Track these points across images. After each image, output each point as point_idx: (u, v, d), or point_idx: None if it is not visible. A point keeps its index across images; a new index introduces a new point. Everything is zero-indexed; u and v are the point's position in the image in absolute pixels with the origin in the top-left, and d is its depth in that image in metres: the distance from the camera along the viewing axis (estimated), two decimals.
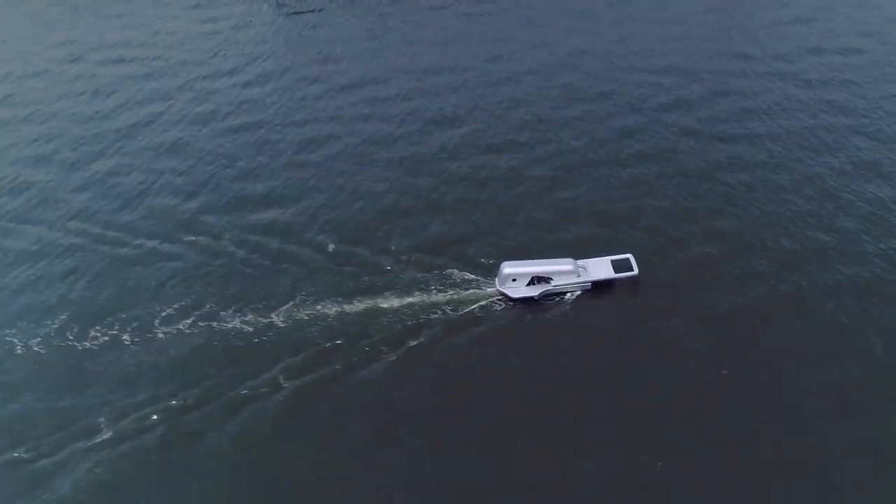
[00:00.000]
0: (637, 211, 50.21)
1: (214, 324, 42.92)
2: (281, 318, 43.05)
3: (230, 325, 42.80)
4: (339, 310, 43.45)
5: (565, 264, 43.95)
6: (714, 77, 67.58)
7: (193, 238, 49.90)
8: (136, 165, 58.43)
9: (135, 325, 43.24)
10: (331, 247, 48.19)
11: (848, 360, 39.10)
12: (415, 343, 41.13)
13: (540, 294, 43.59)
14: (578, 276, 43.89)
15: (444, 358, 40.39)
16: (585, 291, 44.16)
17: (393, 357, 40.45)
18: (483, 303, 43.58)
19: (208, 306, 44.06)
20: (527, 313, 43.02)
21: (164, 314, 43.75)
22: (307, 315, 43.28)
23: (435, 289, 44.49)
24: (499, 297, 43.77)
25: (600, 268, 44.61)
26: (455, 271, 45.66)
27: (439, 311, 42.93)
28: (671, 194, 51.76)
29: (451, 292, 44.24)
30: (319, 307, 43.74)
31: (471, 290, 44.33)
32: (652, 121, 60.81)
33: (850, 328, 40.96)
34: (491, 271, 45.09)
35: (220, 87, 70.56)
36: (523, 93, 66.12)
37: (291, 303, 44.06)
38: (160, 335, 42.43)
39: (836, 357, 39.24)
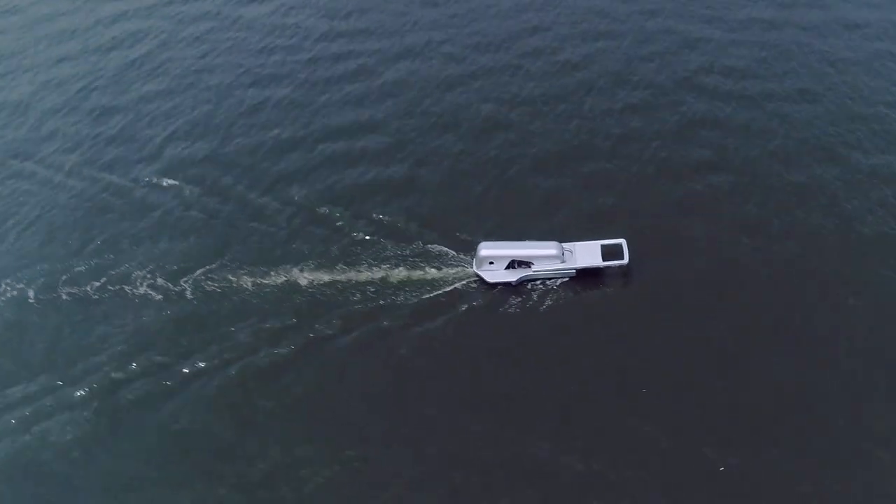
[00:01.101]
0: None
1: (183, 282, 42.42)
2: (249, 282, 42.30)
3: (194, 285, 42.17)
4: (305, 277, 42.05)
5: (548, 248, 40.42)
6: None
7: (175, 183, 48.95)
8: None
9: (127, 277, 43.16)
10: (325, 210, 45.83)
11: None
12: (374, 325, 39.17)
13: (518, 280, 40.49)
14: (562, 261, 40.39)
15: (396, 346, 38.38)
16: (571, 278, 40.82)
17: (350, 336, 38.89)
18: (458, 285, 40.87)
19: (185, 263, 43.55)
20: (500, 301, 40.13)
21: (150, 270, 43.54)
22: (274, 280, 42.08)
23: (410, 264, 41.99)
24: (475, 279, 40.94)
25: (587, 253, 40.88)
26: (437, 246, 42.87)
27: (408, 290, 40.58)
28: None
29: (426, 270, 41.65)
30: (274, 273, 42.42)
31: (447, 270, 41.59)
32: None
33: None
34: (472, 249, 42.06)
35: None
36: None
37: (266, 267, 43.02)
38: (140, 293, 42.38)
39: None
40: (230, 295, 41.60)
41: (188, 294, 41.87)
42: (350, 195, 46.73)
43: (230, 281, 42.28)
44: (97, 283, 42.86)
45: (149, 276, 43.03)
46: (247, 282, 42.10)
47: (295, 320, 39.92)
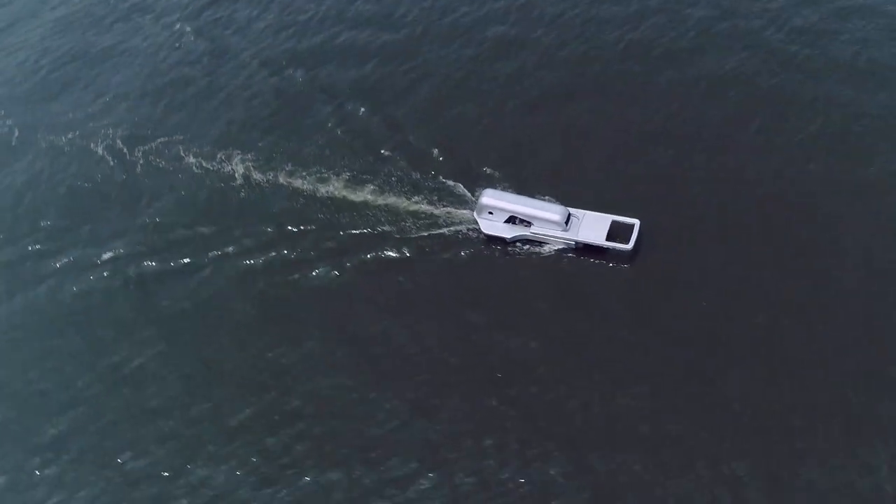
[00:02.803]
0: None
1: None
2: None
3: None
4: (314, 189, 42.23)
5: (552, 212, 37.60)
6: None
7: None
8: None
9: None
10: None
11: None
12: (367, 256, 39.13)
13: (513, 237, 38.32)
14: (564, 229, 37.55)
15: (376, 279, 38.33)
16: (570, 249, 38.00)
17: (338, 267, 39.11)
18: (459, 227, 39.39)
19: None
20: (489, 256, 38.43)
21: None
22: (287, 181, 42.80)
23: (419, 197, 40.89)
24: (474, 226, 39.22)
25: (594, 227, 37.66)
26: (450, 182, 41.24)
27: (410, 222, 39.82)
28: None
29: (435, 206, 40.42)
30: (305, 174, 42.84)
31: (452, 209, 40.10)
32: None
33: None
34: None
35: None
36: None
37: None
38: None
39: None
40: (257, 187, 42.86)
41: (220, 173, 43.82)
42: (401, 113, 45.41)
43: (267, 173, 43.32)
44: (146, 147, 45.57)
45: (195, 150, 44.98)
46: (280, 178, 43.00)
47: (313, 227, 40.61)
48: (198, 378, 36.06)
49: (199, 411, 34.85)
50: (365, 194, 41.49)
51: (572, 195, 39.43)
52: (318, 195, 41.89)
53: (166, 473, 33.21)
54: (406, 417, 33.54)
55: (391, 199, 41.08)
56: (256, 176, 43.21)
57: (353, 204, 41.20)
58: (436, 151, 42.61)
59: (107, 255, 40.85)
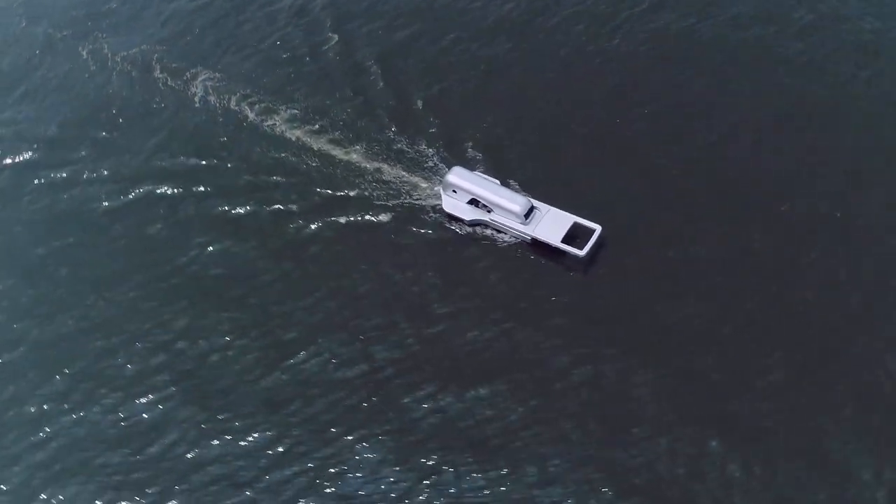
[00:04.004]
0: None
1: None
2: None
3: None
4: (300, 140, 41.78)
5: (514, 202, 35.98)
6: None
7: None
8: None
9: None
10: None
11: None
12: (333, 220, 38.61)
13: (471, 221, 37.06)
14: (522, 222, 35.97)
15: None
16: (527, 243, 36.44)
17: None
18: (421, 201, 38.45)
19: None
20: (442, 234, 37.35)
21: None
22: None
23: (398, 163, 40.04)
24: (438, 201, 38.16)
25: (553, 225, 35.88)
26: (432, 152, 40.15)
27: (375, 186, 39.14)
28: None
29: (409, 174, 39.54)
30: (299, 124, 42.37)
31: (421, 179, 39.15)
32: None
33: None
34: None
35: None
36: None
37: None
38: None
39: None
40: (252, 128, 42.63)
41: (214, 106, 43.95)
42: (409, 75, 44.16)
43: (267, 115, 43.07)
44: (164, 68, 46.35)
45: (212, 83, 45.26)
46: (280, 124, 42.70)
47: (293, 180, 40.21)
48: None
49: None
50: (329, 145, 41.06)
51: (548, 187, 37.82)
52: (292, 141, 41.58)
53: None
54: None
55: (354, 157, 40.41)
56: (252, 114, 43.40)
57: (326, 157, 40.85)
58: (430, 119, 41.54)
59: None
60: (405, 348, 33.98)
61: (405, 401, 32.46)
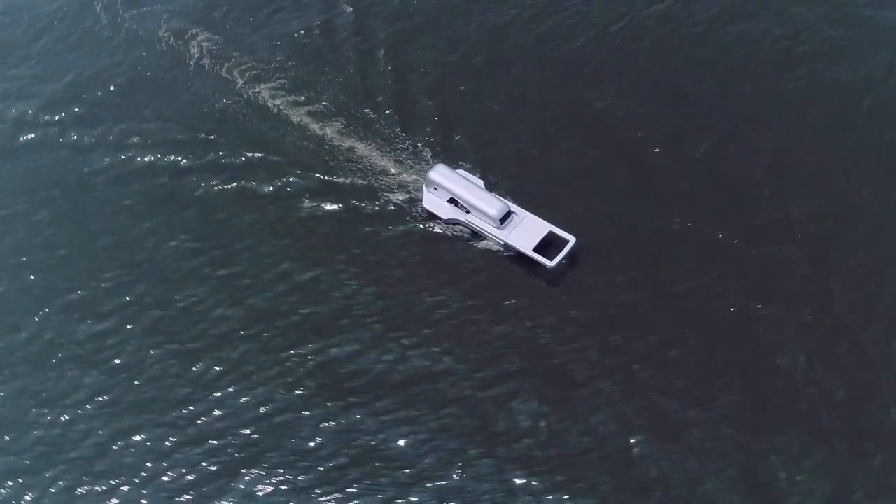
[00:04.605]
0: None
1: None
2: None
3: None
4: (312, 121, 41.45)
5: (490, 205, 35.17)
6: None
7: None
8: None
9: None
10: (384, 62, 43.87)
11: None
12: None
13: (448, 219, 36.44)
14: (498, 226, 35.23)
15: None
16: (500, 247, 35.75)
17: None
18: (405, 196, 37.93)
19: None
20: (418, 229, 36.81)
21: None
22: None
23: (386, 153, 39.52)
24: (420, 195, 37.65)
25: (527, 232, 34.98)
26: (425, 148, 39.50)
27: (359, 176, 38.73)
28: None
29: (397, 166, 39.02)
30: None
31: (406, 175, 38.59)
32: None
33: None
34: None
35: None
36: None
37: None
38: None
39: None
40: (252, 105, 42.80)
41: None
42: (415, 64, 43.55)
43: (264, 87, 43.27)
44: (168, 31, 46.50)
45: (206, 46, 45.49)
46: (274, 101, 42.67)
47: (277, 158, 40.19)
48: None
49: None
50: (327, 129, 40.75)
51: (534, 190, 37.10)
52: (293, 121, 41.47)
53: None
54: None
55: (348, 140, 40.14)
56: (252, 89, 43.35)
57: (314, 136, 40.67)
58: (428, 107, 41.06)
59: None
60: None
61: None
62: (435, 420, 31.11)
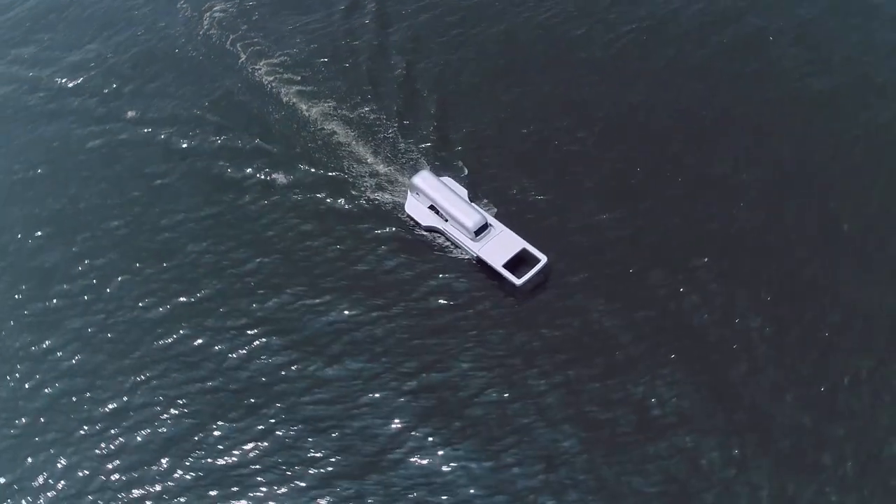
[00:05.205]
0: None
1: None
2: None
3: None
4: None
5: (468, 217, 35.19)
6: None
7: None
8: None
9: None
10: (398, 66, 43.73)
11: None
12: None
13: (427, 226, 36.72)
14: (473, 238, 35.37)
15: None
16: (473, 259, 35.96)
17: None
18: (391, 196, 38.26)
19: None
20: (399, 235, 37.18)
21: None
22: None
23: (378, 152, 39.79)
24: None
25: (500, 247, 35.01)
26: (419, 157, 39.56)
27: (348, 173, 39.16)
28: None
29: (387, 165, 39.28)
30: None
31: (396, 178, 38.83)
32: None
33: None
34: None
35: None
36: None
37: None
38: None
39: None
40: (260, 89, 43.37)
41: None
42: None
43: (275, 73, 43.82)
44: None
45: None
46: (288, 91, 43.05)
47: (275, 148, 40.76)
48: None
49: None
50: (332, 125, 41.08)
51: (518, 204, 37.06)
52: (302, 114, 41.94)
53: None
54: None
55: (350, 142, 40.40)
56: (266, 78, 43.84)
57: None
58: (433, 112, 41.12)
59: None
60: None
61: None
62: None
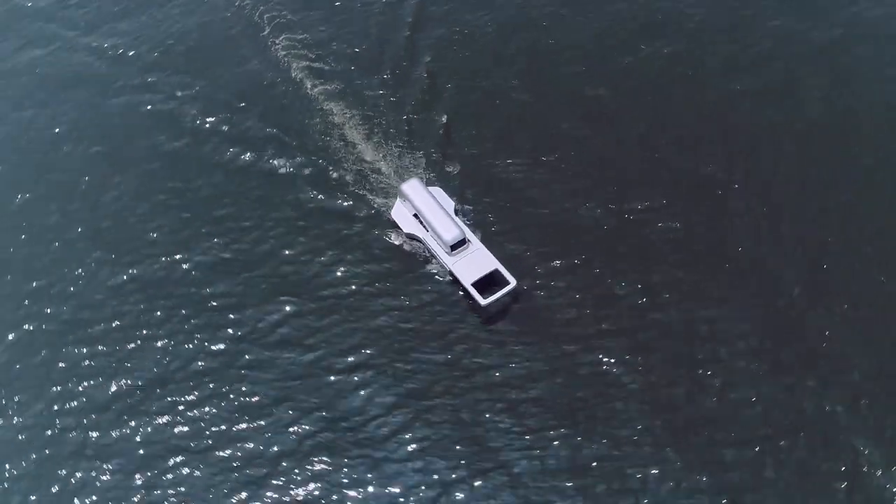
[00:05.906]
0: None
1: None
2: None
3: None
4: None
5: (446, 231, 35.47)
6: None
7: None
8: None
9: None
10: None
11: None
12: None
13: (407, 234, 37.23)
14: (448, 252, 35.67)
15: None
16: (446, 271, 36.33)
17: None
18: (382, 200, 38.91)
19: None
20: (381, 243, 37.79)
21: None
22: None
23: (382, 154, 40.56)
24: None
25: (473, 265, 35.28)
26: (418, 157, 40.19)
27: (347, 172, 39.99)
28: None
29: (387, 164, 39.98)
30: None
31: (389, 180, 39.47)
32: None
33: None
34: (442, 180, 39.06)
35: None
36: None
37: None
38: None
39: None
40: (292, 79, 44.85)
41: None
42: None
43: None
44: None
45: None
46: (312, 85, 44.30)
47: (288, 139, 42.02)
48: None
49: None
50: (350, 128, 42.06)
51: (505, 220, 37.42)
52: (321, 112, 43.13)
53: None
54: None
55: (354, 136, 41.30)
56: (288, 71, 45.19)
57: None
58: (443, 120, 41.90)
59: None
60: None
61: None
62: None
